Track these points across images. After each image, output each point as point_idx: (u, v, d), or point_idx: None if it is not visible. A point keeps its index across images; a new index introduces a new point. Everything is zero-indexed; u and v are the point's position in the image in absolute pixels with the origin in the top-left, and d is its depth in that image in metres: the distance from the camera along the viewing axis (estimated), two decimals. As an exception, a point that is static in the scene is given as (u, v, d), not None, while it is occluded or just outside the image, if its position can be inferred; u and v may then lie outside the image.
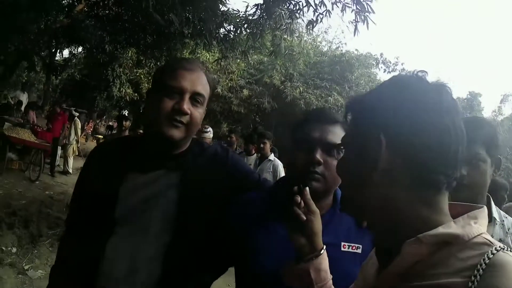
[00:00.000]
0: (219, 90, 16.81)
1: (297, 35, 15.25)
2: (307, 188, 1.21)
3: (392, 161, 0.81)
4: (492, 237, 1.69)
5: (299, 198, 1.19)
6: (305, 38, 18.31)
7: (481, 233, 0.79)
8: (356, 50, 18.26)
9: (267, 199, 1.51)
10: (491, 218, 1.71)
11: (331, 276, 1.18)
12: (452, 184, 0.83)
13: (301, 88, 16.23)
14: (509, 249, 0.74)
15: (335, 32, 36.93)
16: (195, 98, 1.51)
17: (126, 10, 7.34)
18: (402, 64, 20.94)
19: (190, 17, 6.11)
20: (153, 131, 1.50)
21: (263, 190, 1.60)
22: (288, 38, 7.74)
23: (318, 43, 19.96)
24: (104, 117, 31.76)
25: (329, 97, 17.12)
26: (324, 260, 1.17)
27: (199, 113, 1.52)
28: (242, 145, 7.49)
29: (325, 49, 19.64)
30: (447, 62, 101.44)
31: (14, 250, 4.99)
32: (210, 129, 7.49)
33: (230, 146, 7.65)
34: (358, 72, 16.40)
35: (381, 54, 18.20)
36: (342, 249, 1.41)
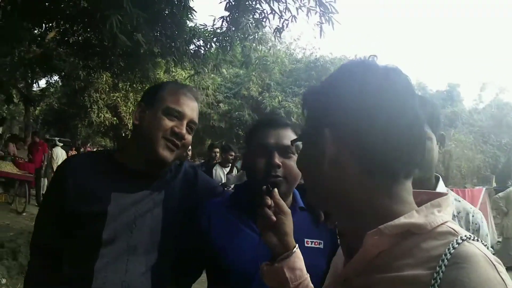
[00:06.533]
0: (198, 106, 16.66)
1: (270, 44, 15.35)
2: (276, 190, 1.22)
3: (339, 152, 0.79)
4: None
5: (269, 200, 1.19)
6: (278, 47, 18.46)
7: (445, 222, 0.76)
8: (331, 53, 18.50)
9: (228, 203, 1.60)
10: None
11: (308, 275, 1.17)
12: (412, 171, 0.81)
13: (279, 97, 16.31)
14: (475, 238, 0.72)
15: (307, 39, 37.35)
16: (190, 125, 1.59)
17: (94, 34, 7.34)
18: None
19: (158, 36, 6.13)
20: (146, 149, 1.53)
21: (224, 197, 1.70)
22: (258, 47, 7.80)
23: (292, 51, 20.16)
24: (89, 144, 31.44)
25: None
26: (298, 259, 1.17)
27: (189, 140, 1.60)
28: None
29: (299, 56, 19.82)
30: (424, 56, 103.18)
31: (4, 281, 5.06)
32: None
33: (211, 161, 7.70)
34: (334, 76, 16.46)
35: (355, 56, 18.38)
36: (306, 245, 1.50)
